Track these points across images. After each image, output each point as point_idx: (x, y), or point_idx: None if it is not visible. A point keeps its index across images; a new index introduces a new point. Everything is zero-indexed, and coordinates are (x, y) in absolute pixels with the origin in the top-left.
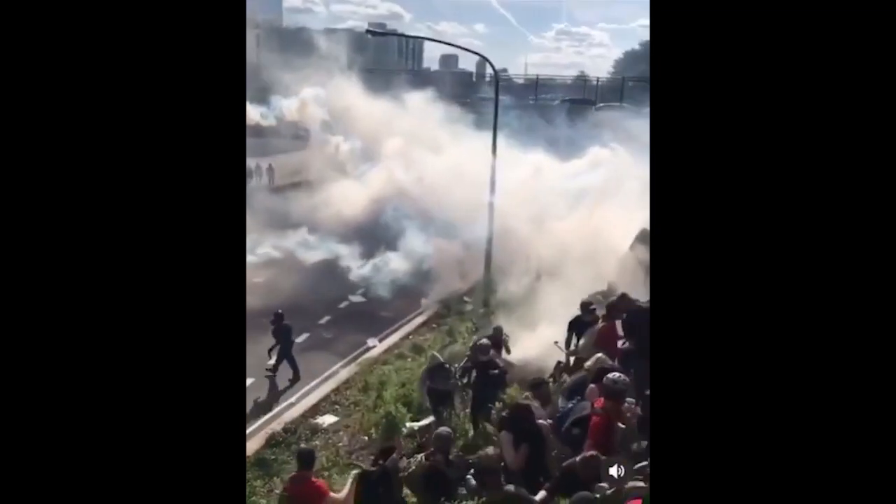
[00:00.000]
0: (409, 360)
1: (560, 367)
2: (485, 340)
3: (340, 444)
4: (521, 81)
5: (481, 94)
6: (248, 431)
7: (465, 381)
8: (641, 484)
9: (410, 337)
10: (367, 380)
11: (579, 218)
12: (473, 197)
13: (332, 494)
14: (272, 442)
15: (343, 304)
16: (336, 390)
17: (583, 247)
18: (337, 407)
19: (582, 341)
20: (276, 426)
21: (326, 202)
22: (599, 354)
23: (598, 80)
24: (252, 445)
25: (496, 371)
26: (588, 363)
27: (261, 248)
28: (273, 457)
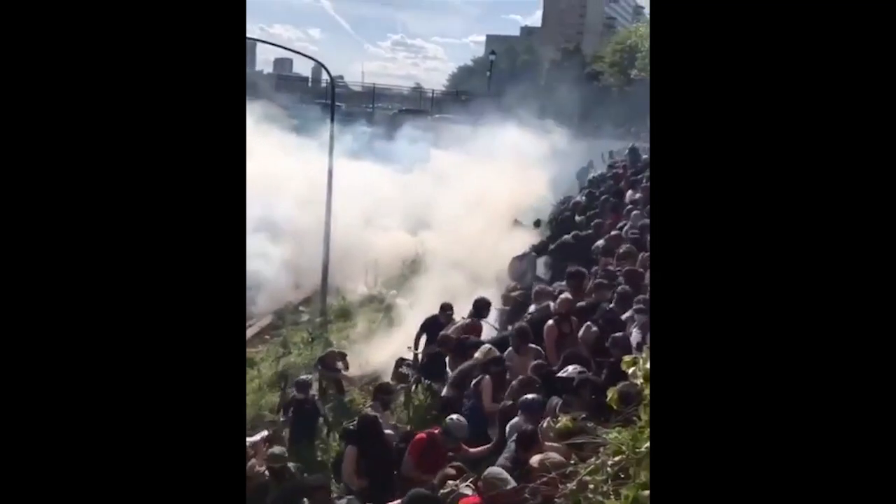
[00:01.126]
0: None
1: (399, 363)
2: (304, 377)
3: None
4: (357, 89)
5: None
6: None
7: (281, 417)
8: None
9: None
10: None
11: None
12: (306, 202)
13: None
14: None
15: None
16: None
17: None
18: None
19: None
20: None
21: None
22: (488, 346)
23: (433, 93)
24: None
25: (308, 407)
26: (478, 353)
27: None
28: None
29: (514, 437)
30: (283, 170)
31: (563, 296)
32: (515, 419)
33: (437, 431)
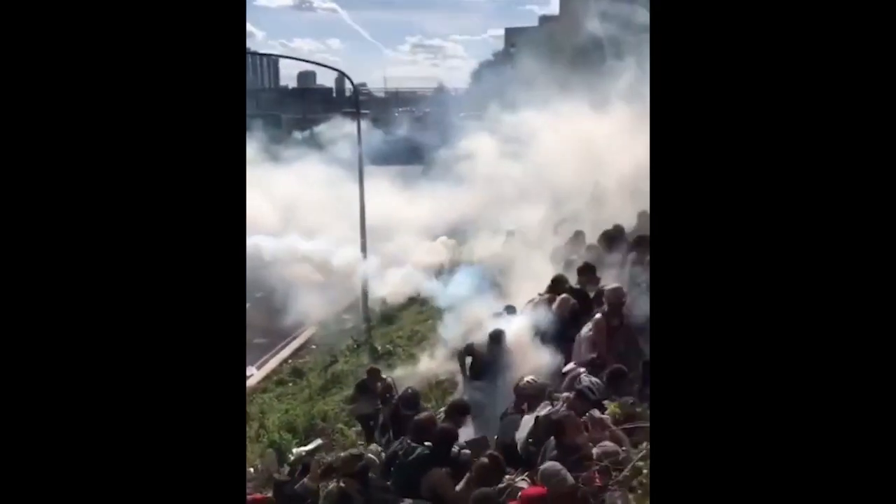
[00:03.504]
0: (290, 384)
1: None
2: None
3: None
4: (381, 95)
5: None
6: None
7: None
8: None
9: (289, 361)
10: (247, 410)
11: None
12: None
13: None
14: None
15: None
16: None
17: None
18: None
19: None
20: None
21: None
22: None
23: (455, 91)
24: None
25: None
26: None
27: None
28: None
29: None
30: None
31: (609, 287)
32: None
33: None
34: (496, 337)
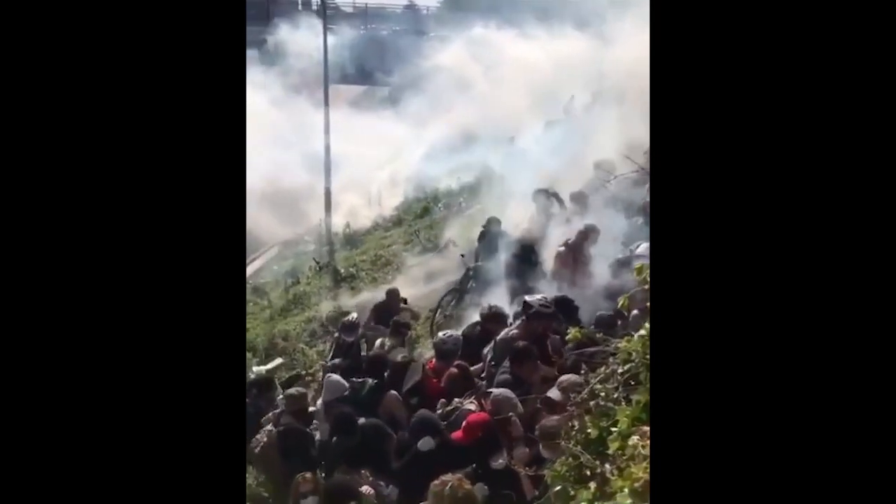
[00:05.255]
0: (251, 304)
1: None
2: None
3: None
4: (349, 10)
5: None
6: None
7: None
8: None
9: (250, 281)
10: None
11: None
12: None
13: None
14: None
15: None
16: None
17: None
18: None
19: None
20: None
21: None
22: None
23: (427, 10)
24: None
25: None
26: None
27: None
28: None
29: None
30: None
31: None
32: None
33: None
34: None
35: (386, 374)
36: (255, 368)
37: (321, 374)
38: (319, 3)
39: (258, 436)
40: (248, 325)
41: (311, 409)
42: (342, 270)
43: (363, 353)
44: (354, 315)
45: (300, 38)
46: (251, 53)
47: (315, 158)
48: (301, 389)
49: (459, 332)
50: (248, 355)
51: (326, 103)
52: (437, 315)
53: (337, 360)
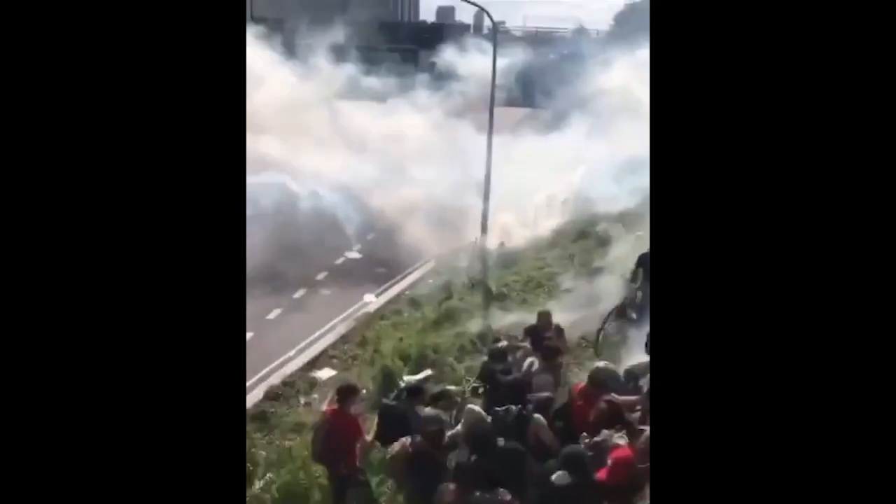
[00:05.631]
0: (406, 314)
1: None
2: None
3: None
4: (518, 35)
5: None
6: (247, 385)
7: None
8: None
9: (407, 293)
10: (364, 335)
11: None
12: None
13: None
14: (271, 395)
15: (339, 261)
16: (334, 345)
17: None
18: (335, 361)
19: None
20: (275, 380)
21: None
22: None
23: (597, 33)
24: (251, 399)
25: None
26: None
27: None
28: (272, 409)
29: None
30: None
31: None
32: None
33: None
34: None
35: (532, 397)
36: (405, 377)
37: (467, 392)
38: (490, 27)
39: (395, 443)
40: (401, 335)
41: (451, 431)
42: (494, 289)
43: (511, 376)
44: (504, 343)
45: (469, 61)
46: (421, 78)
47: (474, 178)
48: (442, 416)
49: (621, 369)
50: (400, 363)
51: (491, 124)
52: (599, 339)
53: (480, 386)
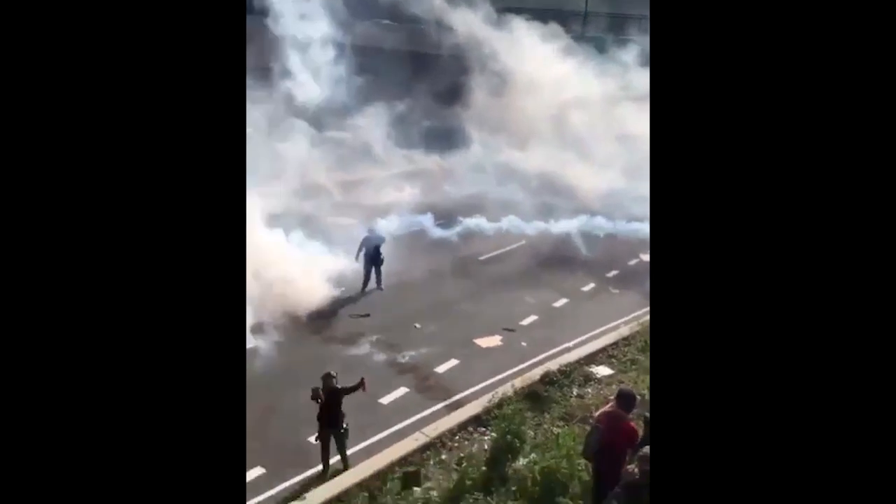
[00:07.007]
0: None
1: None
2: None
3: (611, 397)
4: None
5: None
6: (526, 364)
7: None
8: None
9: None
10: (646, 340)
11: None
12: None
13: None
14: (546, 379)
15: (633, 262)
16: (615, 345)
17: None
18: (613, 361)
19: None
20: (553, 366)
21: None
22: None
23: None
24: (527, 380)
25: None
26: None
27: None
28: (546, 393)
29: None
30: None
31: None
32: None
33: None
34: None
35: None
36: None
37: None
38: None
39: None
40: None
41: None
42: None
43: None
44: None
45: None
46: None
47: None
48: None
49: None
50: None
51: None
52: None
53: None
